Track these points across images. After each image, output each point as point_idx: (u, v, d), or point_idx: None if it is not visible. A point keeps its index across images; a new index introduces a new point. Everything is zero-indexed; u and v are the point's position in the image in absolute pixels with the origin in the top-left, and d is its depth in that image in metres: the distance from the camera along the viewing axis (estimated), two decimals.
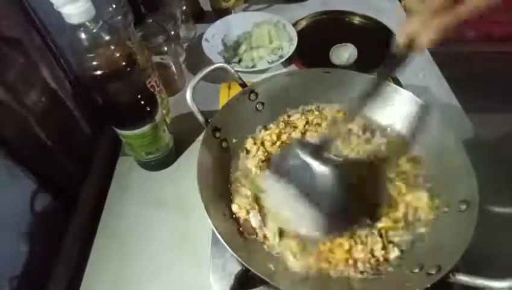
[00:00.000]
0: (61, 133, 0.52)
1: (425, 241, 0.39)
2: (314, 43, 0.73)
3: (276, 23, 0.74)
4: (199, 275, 0.43)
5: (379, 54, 0.70)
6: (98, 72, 0.38)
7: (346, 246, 0.38)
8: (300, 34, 0.72)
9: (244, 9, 0.84)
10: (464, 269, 0.32)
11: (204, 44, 0.70)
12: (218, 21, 0.76)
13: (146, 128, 0.46)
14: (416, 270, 0.35)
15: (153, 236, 0.48)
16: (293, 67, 0.70)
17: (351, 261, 0.38)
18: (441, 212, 0.40)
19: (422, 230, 0.40)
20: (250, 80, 0.50)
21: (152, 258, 0.46)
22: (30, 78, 0.47)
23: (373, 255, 0.38)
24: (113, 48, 0.38)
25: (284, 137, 0.50)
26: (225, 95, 0.58)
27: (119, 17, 0.46)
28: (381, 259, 0.38)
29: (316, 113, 0.52)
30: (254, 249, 0.39)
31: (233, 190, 0.45)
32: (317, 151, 0.37)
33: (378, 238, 0.39)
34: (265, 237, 0.40)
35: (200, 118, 0.44)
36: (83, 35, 0.35)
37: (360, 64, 0.67)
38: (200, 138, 0.44)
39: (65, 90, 0.54)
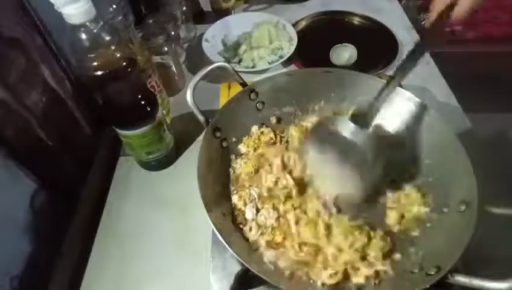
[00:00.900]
0: (62, 133, 0.52)
1: (424, 241, 0.39)
2: (314, 43, 0.74)
3: (276, 23, 0.74)
4: (199, 275, 0.43)
5: (379, 54, 0.70)
6: (99, 72, 0.38)
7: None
8: (300, 34, 0.72)
9: (244, 10, 0.84)
10: (463, 270, 0.32)
11: (204, 44, 0.70)
12: (219, 21, 0.76)
13: (146, 128, 0.46)
14: (416, 271, 0.35)
15: (153, 236, 0.48)
16: (293, 67, 0.71)
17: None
18: (441, 213, 0.40)
19: (419, 232, 0.40)
20: (250, 80, 0.51)
21: (152, 258, 0.46)
22: (31, 78, 0.47)
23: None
24: (113, 48, 0.38)
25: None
26: (225, 94, 0.58)
27: (119, 18, 0.46)
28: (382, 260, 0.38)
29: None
30: (254, 248, 0.39)
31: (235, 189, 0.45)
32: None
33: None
34: (250, 229, 0.41)
35: (200, 117, 0.44)
36: (83, 36, 0.36)
37: (360, 65, 0.68)
38: (201, 137, 0.44)
39: (65, 91, 0.54)
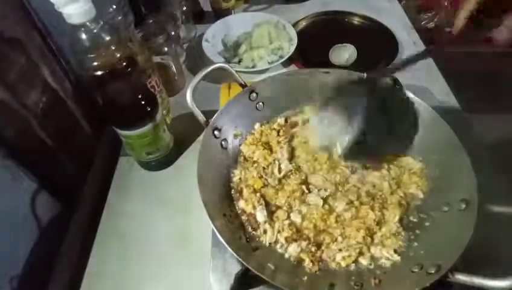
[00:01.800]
0: (62, 133, 0.52)
1: (424, 240, 0.39)
2: (314, 43, 0.74)
3: (276, 23, 0.74)
4: (199, 275, 0.43)
5: (379, 54, 0.70)
6: (99, 73, 0.38)
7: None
8: (300, 34, 0.72)
9: (244, 10, 0.84)
10: (463, 269, 0.32)
11: (204, 44, 0.70)
12: (219, 21, 0.76)
13: (146, 128, 0.46)
14: (416, 270, 0.35)
15: (153, 236, 0.48)
16: (293, 67, 0.71)
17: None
18: (441, 212, 0.40)
19: (422, 229, 0.40)
20: (250, 80, 0.51)
21: (152, 257, 0.46)
22: (31, 78, 0.47)
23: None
24: (113, 48, 0.38)
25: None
26: (225, 95, 0.58)
27: (119, 18, 0.46)
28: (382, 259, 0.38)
29: None
30: (254, 248, 0.39)
31: (238, 188, 0.45)
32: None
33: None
34: (265, 231, 0.41)
35: (200, 118, 0.44)
36: (83, 36, 0.36)
37: (360, 65, 0.68)
38: (200, 138, 0.44)
39: (65, 91, 0.54)
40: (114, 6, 0.45)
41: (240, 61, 0.70)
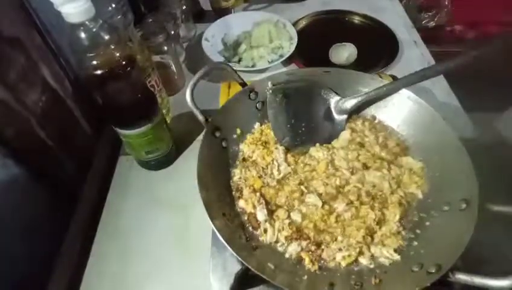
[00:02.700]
0: (61, 133, 0.52)
1: (425, 240, 0.39)
2: (315, 42, 0.73)
3: (276, 22, 0.74)
4: (199, 274, 0.43)
5: (379, 53, 0.70)
6: (98, 72, 0.38)
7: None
8: (301, 33, 0.72)
9: (244, 9, 0.84)
10: (464, 268, 0.32)
11: (204, 43, 0.70)
12: (218, 20, 0.76)
13: (146, 127, 0.46)
14: (416, 269, 0.35)
15: (153, 235, 0.48)
16: (293, 66, 0.70)
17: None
18: (441, 211, 0.40)
19: (423, 229, 0.40)
20: (250, 79, 0.50)
21: (152, 257, 0.46)
22: (30, 78, 0.47)
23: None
24: (113, 47, 0.38)
25: None
26: (225, 94, 0.58)
27: (119, 17, 0.46)
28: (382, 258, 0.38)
29: None
30: (254, 248, 0.39)
31: (238, 188, 0.45)
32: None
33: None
34: (265, 231, 0.41)
35: (200, 117, 0.44)
36: (82, 35, 0.35)
37: (361, 64, 0.67)
38: (200, 137, 0.44)
39: (65, 90, 0.54)
40: (113, 5, 0.45)
41: (239, 60, 0.70)
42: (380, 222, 0.41)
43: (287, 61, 0.70)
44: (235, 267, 0.40)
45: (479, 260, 0.35)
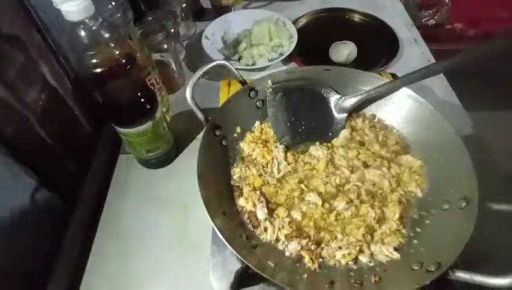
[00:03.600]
0: (61, 131, 0.52)
1: (424, 238, 0.39)
2: (315, 40, 0.73)
3: (276, 20, 0.74)
4: (199, 273, 0.43)
5: (379, 51, 0.70)
6: (98, 70, 0.38)
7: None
8: (301, 31, 0.72)
9: (244, 7, 0.84)
10: (464, 266, 0.32)
11: (204, 42, 0.70)
12: (218, 18, 0.76)
13: (146, 126, 0.46)
14: (416, 268, 0.35)
15: (153, 234, 0.48)
16: (293, 64, 0.70)
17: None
18: (441, 210, 0.40)
19: (422, 227, 0.40)
20: (250, 77, 0.50)
21: (152, 256, 0.46)
22: (30, 76, 0.47)
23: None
24: (112, 45, 0.38)
25: None
26: (225, 92, 0.58)
27: (118, 15, 0.45)
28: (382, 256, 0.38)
29: None
30: (254, 246, 0.39)
31: (238, 186, 0.45)
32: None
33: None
34: (265, 229, 0.41)
35: (200, 116, 0.44)
36: (82, 33, 0.35)
37: (361, 62, 0.67)
38: (200, 135, 0.44)
39: (65, 88, 0.54)
40: (113, 3, 0.45)
41: (239, 58, 0.70)
42: (380, 220, 0.41)
43: (287, 60, 0.70)
44: (235, 265, 0.40)
45: (479, 258, 0.35)
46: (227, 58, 0.70)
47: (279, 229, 0.40)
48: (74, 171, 0.55)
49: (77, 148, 0.56)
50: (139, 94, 0.45)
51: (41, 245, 0.46)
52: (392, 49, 0.70)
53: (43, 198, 0.47)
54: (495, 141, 0.58)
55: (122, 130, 0.47)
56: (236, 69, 0.48)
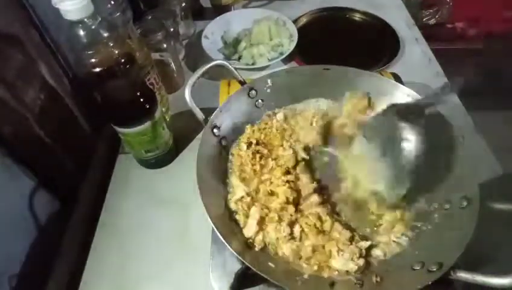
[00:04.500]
0: (60, 131, 0.51)
1: (426, 238, 0.39)
2: (315, 40, 0.73)
3: (277, 19, 0.73)
4: (199, 273, 0.43)
5: (380, 51, 0.70)
6: (97, 69, 0.38)
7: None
8: (301, 30, 0.72)
9: (244, 6, 0.84)
10: (465, 266, 0.32)
11: (203, 41, 0.70)
12: (218, 18, 0.75)
13: (145, 126, 0.46)
14: (417, 268, 0.35)
15: (152, 234, 0.48)
16: (293, 64, 0.70)
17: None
18: (442, 209, 0.39)
19: (423, 227, 0.40)
20: (250, 77, 0.50)
21: (152, 256, 0.46)
22: (28, 76, 0.46)
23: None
24: (112, 44, 0.38)
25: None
26: (225, 92, 0.57)
27: (118, 14, 0.45)
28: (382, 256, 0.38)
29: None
30: (254, 246, 0.39)
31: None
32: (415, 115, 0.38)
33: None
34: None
35: (199, 115, 0.44)
36: (81, 32, 0.35)
37: (361, 62, 0.67)
38: (200, 135, 0.43)
39: (64, 88, 0.54)
40: (112, 2, 0.45)
41: (239, 58, 0.70)
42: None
43: (287, 59, 0.70)
44: (235, 266, 0.40)
45: (480, 258, 0.35)
46: (227, 58, 0.70)
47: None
48: (73, 171, 0.54)
49: (76, 148, 0.55)
50: (138, 94, 0.45)
51: (41, 245, 0.46)
52: (393, 48, 0.70)
53: (42, 198, 0.47)
54: (495, 140, 0.57)
55: (121, 130, 0.47)
56: (236, 68, 0.48)
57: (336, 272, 0.37)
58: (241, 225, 0.40)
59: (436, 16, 1.13)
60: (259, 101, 0.50)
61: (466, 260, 0.32)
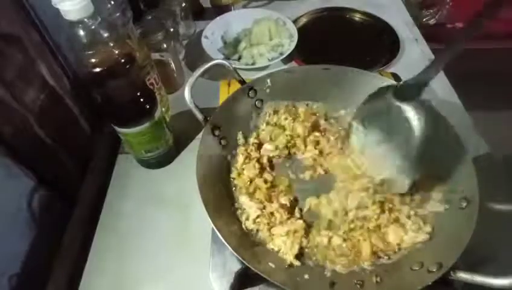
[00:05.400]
0: (60, 131, 0.51)
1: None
2: (315, 40, 0.73)
3: (277, 19, 0.73)
4: (199, 273, 0.43)
5: (380, 51, 0.70)
6: (97, 70, 0.38)
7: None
8: (301, 30, 0.72)
9: (244, 6, 0.84)
10: (465, 267, 0.32)
11: (203, 41, 0.70)
12: (218, 18, 0.75)
13: (145, 126, 0.46)
14: (417, 268, 0.35)
15: (152, 234, 0.48)
16: (293, 64, 0.70)
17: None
18: (442, 210, 0.39)
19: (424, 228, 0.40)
20: (250, 77, 0.50)
21: (152, 256, 0.46)
22: (28, 76, 0.46)
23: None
24: (112, 44, 0.38)
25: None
26: (224, 92, 0.58)
27: (118, 14, 0.45)
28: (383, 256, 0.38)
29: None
30: (254, 246, 0.39)
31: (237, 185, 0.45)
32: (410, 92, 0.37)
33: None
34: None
35: (199, 116, 0.44)
36: (81, 32, 0.35)
37: (361, 62, 0.67)
38: (200, 135, 0.43)
39: (64, 88, 0.54)
40: (112, 2, 0.45)
41: (239, 58, 0.70)
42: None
43: (287, 59, 0.70)
44: (235, 266, 0.40)
45: (480, 259, 0.35)
46: (227, 58, 0.70)
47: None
48: (73, 171, 0.54)
49: (76, 148, 0.55)
50: (138, 94, 0.45)
51: (40, 245, 0.46)
52: (393, 48, 0.70)
53: (42, 198, 0.47)
54: (496, 140, 0.57)
55: (121, 130, 0.47)
56: (236, 68, 0.48)
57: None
58: (268, 244, 0.40)
59: (436, 16, 1.13)
60: (259, 101, 0.50)
61: (466, 260, 0.32)
